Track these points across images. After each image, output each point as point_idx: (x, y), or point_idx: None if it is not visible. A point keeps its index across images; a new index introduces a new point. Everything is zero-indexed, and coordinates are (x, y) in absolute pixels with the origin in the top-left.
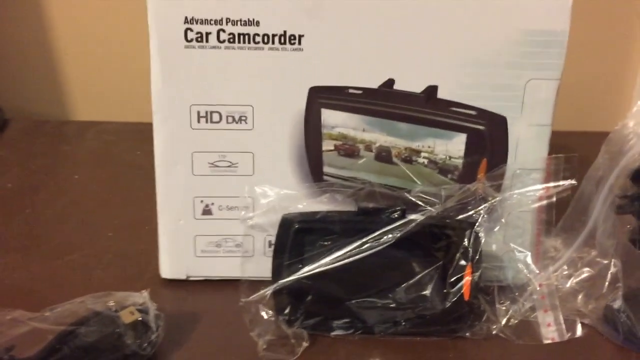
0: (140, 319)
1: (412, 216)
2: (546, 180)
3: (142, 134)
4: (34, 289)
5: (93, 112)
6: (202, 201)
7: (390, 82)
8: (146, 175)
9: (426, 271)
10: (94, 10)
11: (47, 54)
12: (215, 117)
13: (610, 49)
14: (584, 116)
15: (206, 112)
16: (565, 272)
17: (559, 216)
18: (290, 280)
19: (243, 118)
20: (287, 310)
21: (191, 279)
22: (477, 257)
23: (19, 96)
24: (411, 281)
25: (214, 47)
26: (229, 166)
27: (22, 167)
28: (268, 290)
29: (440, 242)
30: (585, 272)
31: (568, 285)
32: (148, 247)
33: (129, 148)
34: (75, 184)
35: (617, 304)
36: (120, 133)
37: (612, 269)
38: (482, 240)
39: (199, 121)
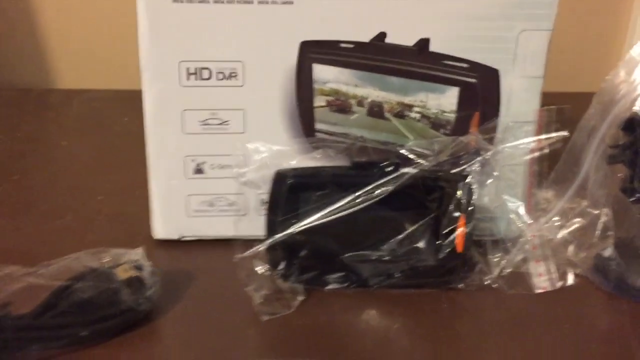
0: (136, 275)
1: (406, 169)
2: (538, 133)
3: (129, 101)
4: (27, 249)
5: (78, 80)
6: (193, 160)
7: (381, 36)
8: (135, 141)
9: (419, 223)
10: None
11: (29, 21)
12: (205, 73)
13: (600, 9)
14: (575, 77)
15: (196, 69)
16: (557, 223)
17: (551, 168)
18: (284, 235)
19: (233, 74)
20: (281, 265)
21: (184, 239)
22: (470, 208)
23: (2, 65)
24: (404, 234)
25: (202, 2)
26: (220, 124)
27: (7, 134)
28: (262, 246)
29: (434, 194)
30: (577, 223)
31: (559, 235)
32: (139, 210)
33: (116, 115)
34: (63, 150)
35: (608, 252)
36: (107, 100)
37: (603, 219)
38: (476, 192)
39: (188, 78)
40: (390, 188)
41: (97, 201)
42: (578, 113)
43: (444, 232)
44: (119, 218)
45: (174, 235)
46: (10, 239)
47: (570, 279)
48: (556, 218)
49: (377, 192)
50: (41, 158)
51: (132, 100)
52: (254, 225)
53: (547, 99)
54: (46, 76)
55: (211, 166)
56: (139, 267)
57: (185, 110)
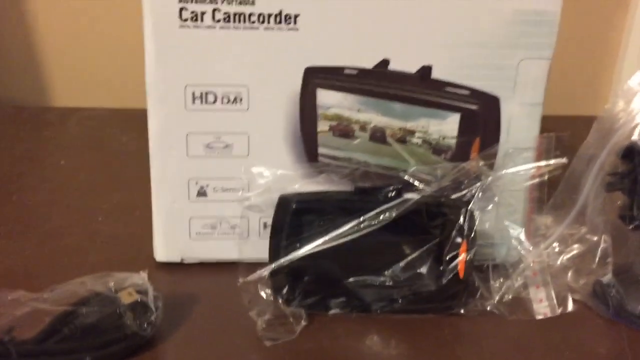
0: (139, 299)
1: (409, 195)
2: (538, 159)
3: (126, 120)
4: (30, 272)
5: (74, 99)
6: (197, 183)
7: (385, 62)
8: (133, 161)
9: (422, 249)
10: None
11: (25, 39)
12: (211, 97)
13: (592, 35)
14: (569, 101)
15: (201, 93)
16: (557, 249)
17: (550, 194)
18: (288, 260)
19: (238, 98)
20: (285, 290)
21: (186, 261)
22: (472, 234)
23: None
24: (407, 259)
25: (209, 27)
26: (224, 147)
27: (4, 153)
28: (266, 270)
29: (436, 220)
30: (576, 249)
31: (559, 261)
32: (140, 231)
33: (113, 134)
34: (61, 170)
35: (607, 279)
36: (104, 119)
37: (602, 245)
38: (477, 219)
39: (194, 102)
40: (393, 214)
41: (98, 222)
42: (572, 138)
43: (446, 258)
44: (119, 239)
45: (176, 258)
46: (12, 262)
47: (570, 305)
48: (555, 244)
49: (380, 217)
50: (40, 178)
51: (129, 119)
52: (256, 248)
53: (543, 122)
54: (42, 94)
55: (214, 189)
56: (142, 291)
57: (189, 133)
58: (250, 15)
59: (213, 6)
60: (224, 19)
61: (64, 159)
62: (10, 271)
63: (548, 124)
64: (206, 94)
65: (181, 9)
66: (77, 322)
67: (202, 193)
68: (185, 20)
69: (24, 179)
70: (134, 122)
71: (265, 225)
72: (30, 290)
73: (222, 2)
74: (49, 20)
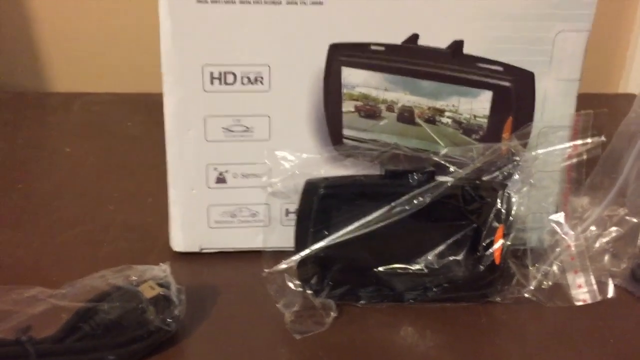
0: (162, 293)
1: (442, 178)
2: (574, 138)
3: (130, 104)
4: (41, 266)
5: (77, 84)
6: (215, 169)
7: (414, 38)
8: (141, 147)
9: (459, 235)
10: None
11: (25, 23)
12: (230, 78)
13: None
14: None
15: (220, 73)
16: (594, 232)
17: (587, 174)
18: (316, 249)
19: (259, 78)
20: (313, 280)
21: (205, 251)
22: (510, 219)
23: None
24: (442, 246)
25: (228, 2)
26: (244, 131)
27: (7, 141)
28: (294, 260)
29: (473, 204)
30: (615, 232)
31: (597, 245)
32: (154, 220)
33: (119, 119)
34: (67, 157)
35: None
36: (108, 104)
37: None
38: (515, 202)
39: (212, 83)
40: (427, 198)
41: (109, 210)
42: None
43: (483, 244)
44: (133, 228)
45: (195, 248)
46: (22, 254)
47: (611, 291)
48: (593, 227)
49: (413, 202)
50: (45, 165)
51: (133, 104)
52: (278, 236)
53: None
54: (44, 79)
55: (234, 175)
56: (164, 285)
57: (208, 116)
58: None
59: None
60: None
61: (69, 145)
62: (19, 263)
63: (583, 102)
64: (225, 74)
65: None
66: (97, 319)
67: (221, 179)
68: None
69: (29, 166)
70: (139, 106)
71: (287, 212)
72: (45, 284)
73: None
74: (51, 2)
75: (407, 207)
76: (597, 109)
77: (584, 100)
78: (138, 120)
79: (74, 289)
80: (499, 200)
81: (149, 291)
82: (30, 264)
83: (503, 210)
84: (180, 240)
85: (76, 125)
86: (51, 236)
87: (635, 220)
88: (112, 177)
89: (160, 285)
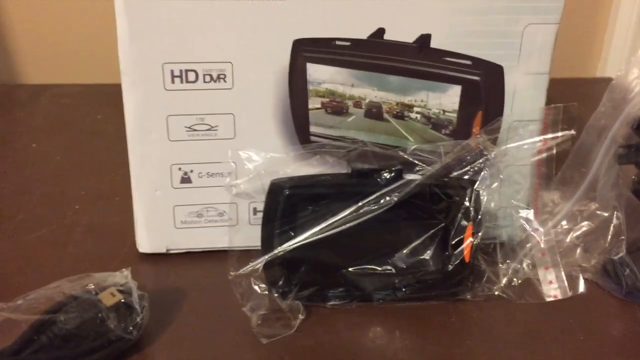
0: (123, 300)
1: (410, 176)
2: (544, 132)
3: (99, 96)
4: (5, 271)
5: (45, 75)
6: (180, 169)
7: (380, 32)
8: (109, 142)
9: (427, 234)
10: None
11: None
12: (191, 76)
13: None
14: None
15: (180, 71)
16: (565, 227)
17: (558, 169)
18: (282, 250)
19: (222, 76)
20: (280, 282)
21: (171, 252)
22: (479, 217)
23: None
24: (411, 245)
25: None
26: (208, 129)
27: None
28: (259, 263)
29: (441, 202)
30: (585, 226)
31: (568, 240)
32: (121, 220)
33: (88, 112)
34: (34, 153)
35: (620, 257)
36: (77, 96)
37: (615, 222)
38: (484, 199)
39: (173, 81)
40: (394, 198)
41: (75, 210)
42: (556, 99)
43: (452, 242)
44: (99, 229)
45: (161, 249)
46: None
47: (581, 286)
48: (564, 222)
49: (380, 201)
50: (11, 162)
51: (103, 96)
52: (246, 235)
53: None
54: (11, 71)
55: (199, 175)
56: (125, 291)
57: (170, 115)
58: None
59: None
60: None
61: (36, 141)
62: None
63: (552, 88)
64: (186, 72)
65: None
66: (55, 330)
67: (186, 179)
68: None
69: None
70: (109, 98)
71: (255, 211)
72: (8, 289)
73: None
74: None
75: (374, 207)
76: (567, 103)
77: (562, 86)
78: (108, 112)
79: (28, 301)
80: (467, 198)
81: (109, 299)
82: None
83: (471, 208)
84: (146, 241)
85: (44, 119)
86: (15, 238)
87: (605, 214)
88: (79, 174)
89: (122, 292)
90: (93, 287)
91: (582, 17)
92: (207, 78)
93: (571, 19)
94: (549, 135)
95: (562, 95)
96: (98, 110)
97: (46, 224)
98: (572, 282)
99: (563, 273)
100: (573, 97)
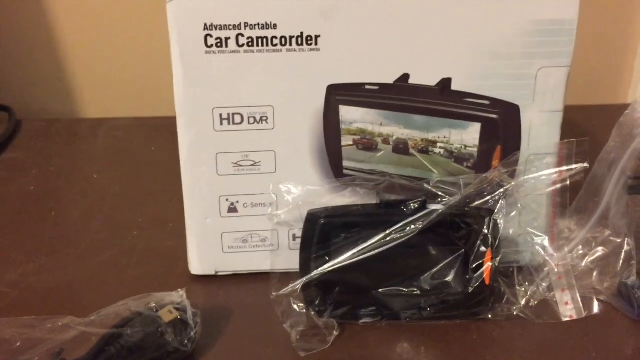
0: (179, 317)
1: (433, 206)
2: (559, 164)
3: (153, 129)
4: (73, 292)
5: (102, 109)
6: (227, 200)
7: (405, 77)
8: (163, 172)
9: (448, 259)
10: (98, 5)
11: (53, 52)
12: (237, 118)
13: (613, 21)
14: (589, 90)
15: (228, 114)
16: (580, 252)
17: (572, 198)
18: (318, 273)
19: (264, 118)
20: (316, 302)
21: (220, 274)
22: (497, 243)
23: (27, 96)
24: (434, 269)
25: (233, 52)
26: (252, 165)
27: (40, 168)
28: (298, 284)
29: (461, 230)
30: (600, 251)
31: (583, 264)
32: (174, 244)
33: (142, 144)
34: (95, 184)
35: (632, 280)
36: (132, 129)
37: (626, 247)
38: (501, 227)
39: (221, 123)
40: (419, 226)
41: (133, 236)
42: (585, 126)
43: (472, 267)
44: (155, 253)
45: (211, 271)
46: (55, 281)
47: (596, 307)
48: (579, 247)
49: (406, 229)
50: (75, 192)
51: (155, 128)
52: (286, 259)
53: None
54: (72, 106)
55: (244, 205)
56: (181, 309)
57: (219, 153)
58: (272, 38)
59: (237, 32)
60: (248, 43)
61: (97, 171)
62: (52, 291)
63: (569, 114)
64: (233, 115)
65: (206, 36)
66: (122, 342)
67: (232, 209)
68: (211, 46)
69: (61, 194)
70: (160, 130)
71: (294, 237)
72: (77, 309)
73: (245, 28)
74: (75, 33)
75: (401, 234)
76: (598, 129)
77: (594, 112)
78: (160, 144)
79: (100, 317)
80: (485, 226)
81: (167, 315)
82: (64, 291)
83: (489, 235)
84: (197, 264)
85: (103, 151)
86: (81, 262)
87: (618, 240)
88: (136, 202)
89: (178, 309)
90: (154, 305)
91: (612, 44)
92: (252, 120)
93: (601, 47)
94: (564, 168)
95: (593, 121)
96: (151, 142)
97: (108, 249)
98: (587, 303)
99: (578, 295)
100: (604, 123)
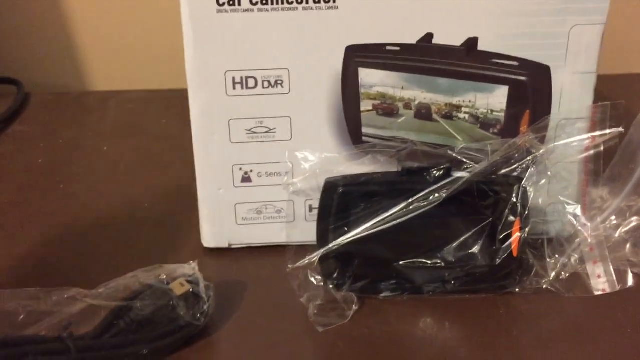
0: (191, 290)
1: (458, 174)
2: (592, 130)
3: (165, 101)
4: (82, 264)
5: (112, 82)
6: (240, 169)
7: (428, 37)
8: (175, 144)
9: (475, 229)
10: None
11: (61, 24)
12: (251, 82)
13: None
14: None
15: (241, 78)
16: (614, 222)
17: (606, 166)
18: (336, 245)
19: (279, 82)
20: (335, 275)
21: (233, 246)
22: (526, 212)
23: (36, 69)
24: (459, 240)
25: (246, 10)
26: (266, 132)
27: (49, 142)
28: (315, 256)
29: (488, 199)
30: (634, 221)
31: (617, 235)
32: (186, 217)
33: (153, 117)
34: (104, 156)
35: None
36: (143, 102)
37: None
38: (531, 196)
39: (234, 87)
40: (443, 194)
41: (144, 208)
42: (628, 103)
43: (499, 237)
44: (167, 225)
45: (224, 244)
46: (63, 253)
47: (630, 280)
48: (613, 217)
49: (430, 198)
50: (84, 165)
51: (166, 101)
52: (303, 231)
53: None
54: (81, 78)
55: (258, 174)
56: (193, 282)
57: (231, 119)
58: None
59: None
60: (262, 1)
61: (106, 144)
62: (61, 264)
63: (600, 84)
64: (246, 78)
65: None
66: (132, 316)
67: (246, 179)
68: (222, 4)
69: (70, 167)
70: (171, 103)
71: (311, 208)
72: (85, 282)
73: None
74: (84, 5)
75: (424, 203)
76: (619, 99)
77: (615, 81)
78: (172, 117)
79: (108, 289)
80: (514, 195)
81: (179, 288)
82: (71, 263)
83: (518, 204)
84: (209, 236)
85: (112, 124)
86: (90, 235)
87: None
88: (147, 175)
89: (190, 282)
90: (165, 277)
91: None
92: (266, 84)
93: (624, 15)
94: (597, 133)
95: (615, 91)
96: (162, 115)
97: (118, 222)
98: (621, 276)
99: (612, 267)
100: (625, 93)
